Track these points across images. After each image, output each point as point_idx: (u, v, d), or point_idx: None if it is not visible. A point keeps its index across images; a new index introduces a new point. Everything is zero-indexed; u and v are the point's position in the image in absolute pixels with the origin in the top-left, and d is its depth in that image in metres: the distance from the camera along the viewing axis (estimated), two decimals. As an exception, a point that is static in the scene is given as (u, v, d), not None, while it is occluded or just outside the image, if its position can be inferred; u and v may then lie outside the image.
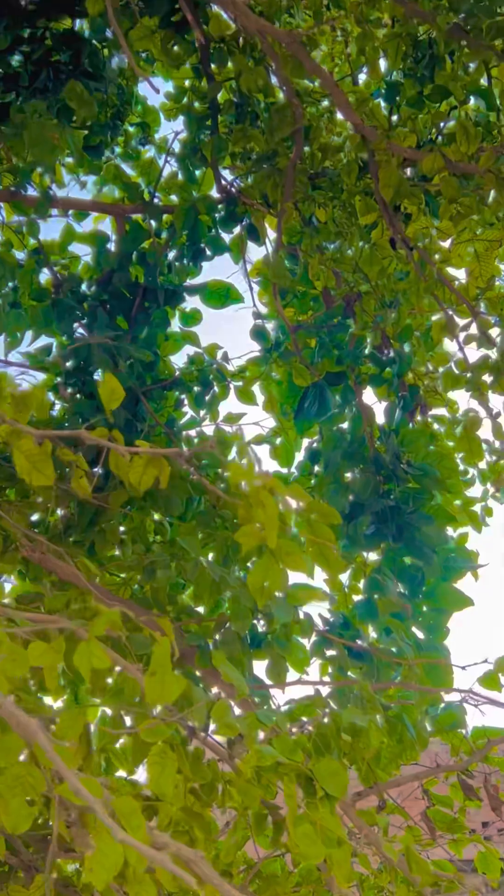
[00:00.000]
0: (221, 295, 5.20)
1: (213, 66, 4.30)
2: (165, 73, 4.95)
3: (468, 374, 3.44)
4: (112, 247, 4.75)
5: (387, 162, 3.28)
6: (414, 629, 4.66)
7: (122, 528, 4.69)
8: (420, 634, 4.67)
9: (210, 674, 3.66)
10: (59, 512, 4.75)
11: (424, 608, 4.72)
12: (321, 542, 2.38)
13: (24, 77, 4.47)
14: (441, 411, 4.90)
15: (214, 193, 4.63)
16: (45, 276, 4.84)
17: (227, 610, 3.57)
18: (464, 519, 5.36)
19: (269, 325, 4.77)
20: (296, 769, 2.46)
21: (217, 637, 3.63)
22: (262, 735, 2.79)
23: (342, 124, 4.61)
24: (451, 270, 4.52)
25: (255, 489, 2.17)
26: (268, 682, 3.69)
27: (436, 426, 5.01)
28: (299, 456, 5.35)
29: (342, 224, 4.05)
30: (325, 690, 3.42)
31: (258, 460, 2.26)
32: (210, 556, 4.37)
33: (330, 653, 3.49)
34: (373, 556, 4.94)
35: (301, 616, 3.39)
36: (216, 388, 4.78)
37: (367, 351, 4.41)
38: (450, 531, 5.22)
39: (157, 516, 4.84)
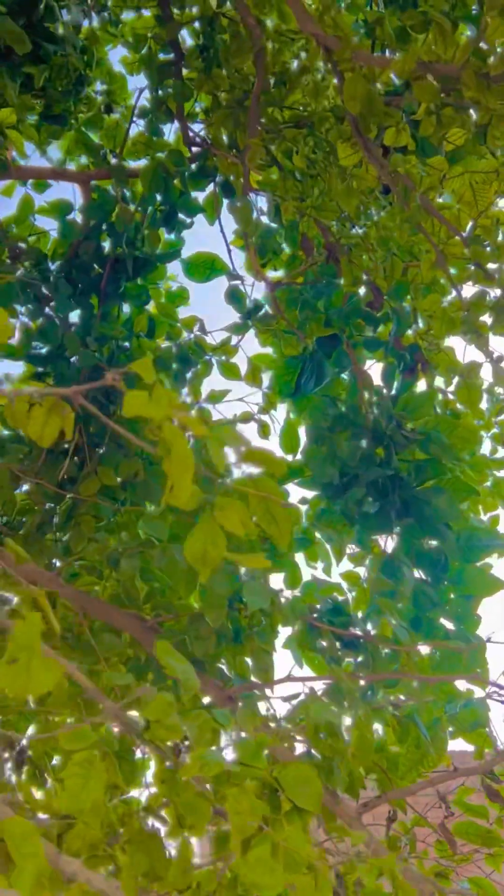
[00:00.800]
0: (206, 267, 4.78)
1: (173, 9, 3.91)
2: (127, 29, 4.56)
3: (464, 315, 2.98)
4: (77, 217, 4.36)
5: (351, 71, 2.85)
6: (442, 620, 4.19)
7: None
8: (449, 625, 4.20)
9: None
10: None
11: (451, 595, 4.24)
12: (265, 495, 1.93)
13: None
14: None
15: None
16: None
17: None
18: (494, 498, 4.88)
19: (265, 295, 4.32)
20: (254, 777, 2.00)
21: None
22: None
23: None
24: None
25: (167, 427, 1.72)
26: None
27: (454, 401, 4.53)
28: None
29: (320, 166, 3.61)
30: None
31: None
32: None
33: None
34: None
35: (283, 602, 2.93)
36: (198, 366, 4.34)
37: (359, 309, 3.94)
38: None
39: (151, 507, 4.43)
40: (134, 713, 2.14)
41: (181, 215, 4.33)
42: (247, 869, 1.76)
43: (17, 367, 4.66)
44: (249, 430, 4.42)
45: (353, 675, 3.08)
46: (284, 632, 3.35)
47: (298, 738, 2.96)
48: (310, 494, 4.38)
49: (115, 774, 2.03)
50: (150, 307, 4.73)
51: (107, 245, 4.45)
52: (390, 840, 3.86)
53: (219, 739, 2.23)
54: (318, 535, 4.44)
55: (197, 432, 1.74)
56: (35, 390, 1.89)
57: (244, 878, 1.77)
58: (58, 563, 4.06)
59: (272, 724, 3.07)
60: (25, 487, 4.35)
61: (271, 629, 3.03)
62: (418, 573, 4.11)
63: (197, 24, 3.97)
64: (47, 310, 4.32)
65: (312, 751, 2.72)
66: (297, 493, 4.27)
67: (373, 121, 3.01)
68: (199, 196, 4.32)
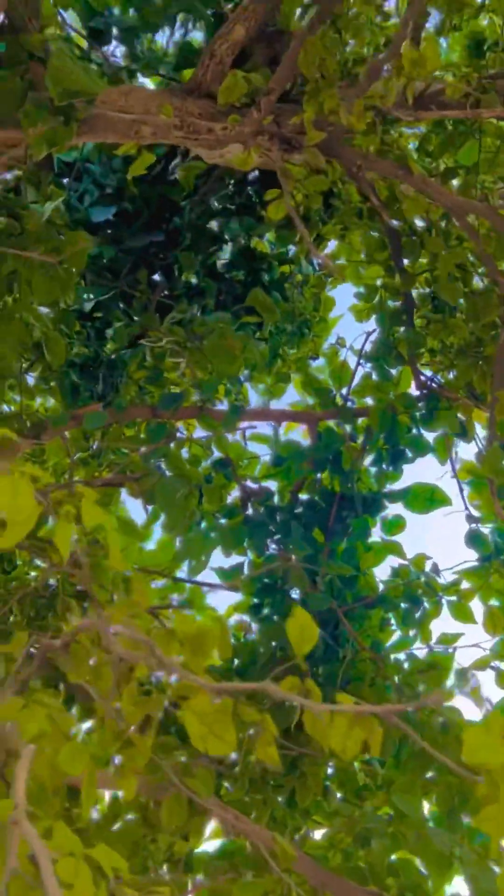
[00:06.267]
0: (426, 498, 4.71)
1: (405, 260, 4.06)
2: (355, 277, 4.76)
3: None
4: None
5: None
6: None
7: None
8: None
9: None
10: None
11: None
12: None
13: (209, 291, 4.40)
14: None
15: (413, 392, 4.26)
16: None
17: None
18: None
19: (486, 530, 4.21)
20: None
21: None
22: None
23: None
24: None
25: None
26: None
27: None
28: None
29: None
30: None
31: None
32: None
33: None
34: None
35: None
36: (426, 605, 4.20)
37: None
38: None
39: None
40: None
41: (409, 453, 4.33)
42: None
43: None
44: (486, 678, 4.18)
45: None
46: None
47: None
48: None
49: None
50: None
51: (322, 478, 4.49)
52: None
53: None
54: None
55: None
56: (344, 707, 1.80)
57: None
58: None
59: None
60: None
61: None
62: None
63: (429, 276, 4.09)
64: (273, 546, 4.34)
65: None
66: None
67: None
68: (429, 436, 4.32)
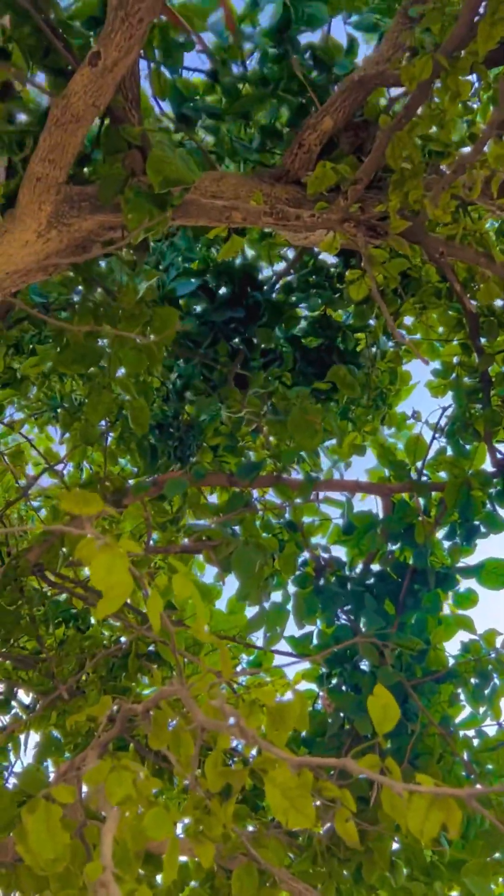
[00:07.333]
0: (499, 574, 4.72)
1: (482, 339, 4.15)
2: (431, 352, 4.86)
3: None
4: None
5: None
6: None
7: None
8: None
9: None
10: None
11: None
12: None
13: (287, 360, 4.52)
14: None
15: (488, 467, 4.32)
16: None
17: None
18: None
19: None
20: None
21: None
22: None
23: None
24: None
25: None
26: None
27: None
28: None
29: None
30: None
31: None
32: None
33: None
34: None
35: None
36: (497, 681, 4.19)
37: None
38: None
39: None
40: None
41: (483, 528, 4.35)
42: None
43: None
44: None
45: None
46: None
47: None
48: None
49: None
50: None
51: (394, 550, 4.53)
52: None
53: None
54: None
55: None
56: (423, 788, 1.84)
57: None
58: None
59: None
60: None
61: None
62: None
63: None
64: (343, 617, 4.39)
65: None
66: None
67: None
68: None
